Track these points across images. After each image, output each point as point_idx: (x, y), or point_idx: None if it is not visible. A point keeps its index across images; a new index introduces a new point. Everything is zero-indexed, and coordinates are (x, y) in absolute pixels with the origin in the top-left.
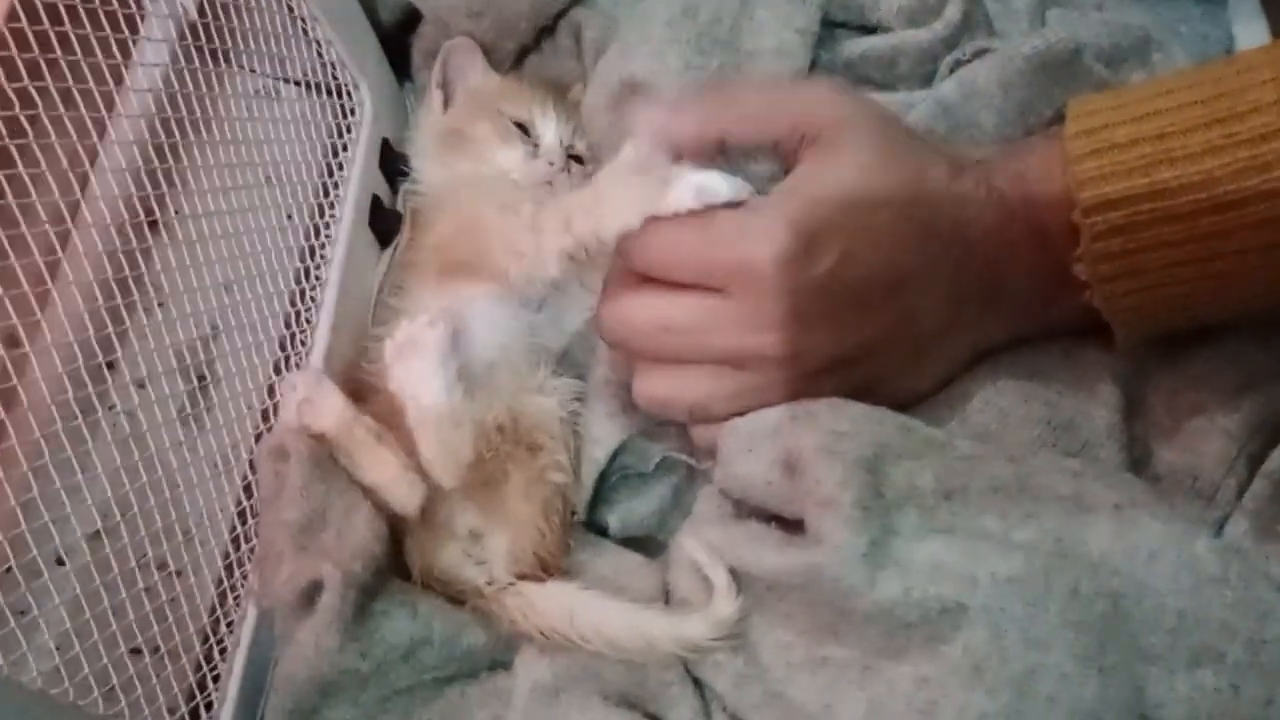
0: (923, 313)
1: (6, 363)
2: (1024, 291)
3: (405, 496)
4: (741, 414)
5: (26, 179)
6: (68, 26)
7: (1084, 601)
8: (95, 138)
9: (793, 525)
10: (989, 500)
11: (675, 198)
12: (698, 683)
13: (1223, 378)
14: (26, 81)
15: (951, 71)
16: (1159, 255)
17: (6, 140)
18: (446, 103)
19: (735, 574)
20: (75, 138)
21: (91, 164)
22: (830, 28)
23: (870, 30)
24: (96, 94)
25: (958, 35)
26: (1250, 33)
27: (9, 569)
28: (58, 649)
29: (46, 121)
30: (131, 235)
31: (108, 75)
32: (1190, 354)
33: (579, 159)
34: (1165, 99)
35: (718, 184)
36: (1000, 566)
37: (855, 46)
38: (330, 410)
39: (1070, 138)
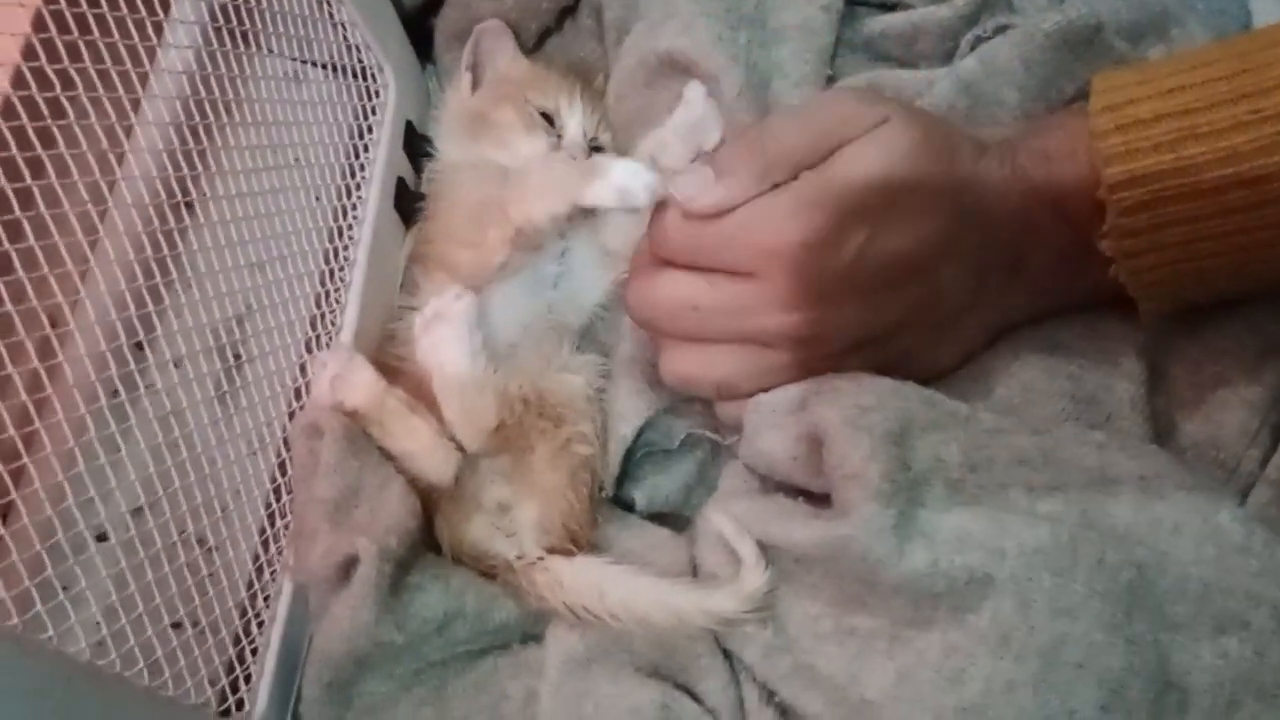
0: (947, 292)
1: (52, 339)
2: (1047, 268)
3: (440, 464)
4: (767, 391)
5: (68, 158)
6: (104, 8)
7: (1110, 571)
8: (131, 117)
9: (818, 499)
10: (1014, 472)
11: (595, 195)
12: (727, 654)
13: (1245, 349)
14: (66, 63)
15: (972, 48)
16: (1184, 230)
17: (49, 120)
18: (475, 85)
19: (762, 547)
20: (114, 118)
21: (128, 144)
22: (851, 5)
23: (891, 7)
24: (133, 74)
25: (978, 12)
26: (1268, 8)
27: (54, 544)
28: (103, 622)
29: (86, 102)
30: (169, 215)
31: (143, 55)
32: (1212, 325)
33: (601, 150)
34: (1189, 74)
35: (638, 190)
36: (1027, 537)
37: (876, 24)
38: (362, 384)
39: (1095, 114)
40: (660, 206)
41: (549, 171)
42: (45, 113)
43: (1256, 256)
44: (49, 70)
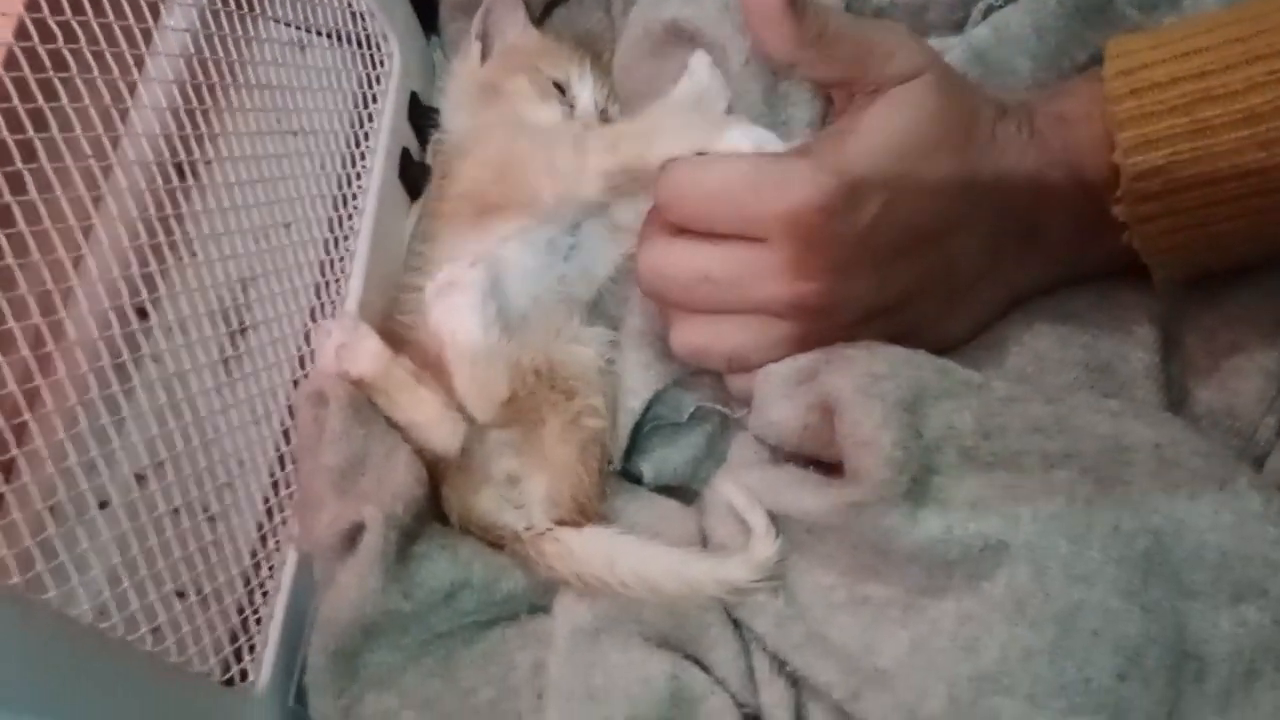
0: (963, 259)
1: (54, 294)
2: (1063, 234)
3: (447, 435)
4: (778, 361)
5: (70, 112)
6: None
7: (1126, 538)
8: (135, 73)
9: (830, 470)
10: (1029, 440)
11: (731, 143)
12: (738, 624)
13: (1261, 316)
14: (69, 14)
15: (984, 17)
16: (1199, 194)
17: (52, 73)
18: (484, 55)
19: (773, 517)
20: (117, 73)
21: (131, 100)
22: None
23: None
24: (136, 30)
25: None
26: None
27: (55, 504)
28: (105, 586)
29: (89, 55)
30: (173, 174)
31: (146, 11)
32: (1228, 293)
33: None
34: (1204, 37)
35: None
36: (1041, 504)
37: None
38: (368, 353)
39: (1109, 78)
40: (668, 169)
41: (679, 118)
42: (48, 65)
43: (1273, 220)
44: (52, 22)
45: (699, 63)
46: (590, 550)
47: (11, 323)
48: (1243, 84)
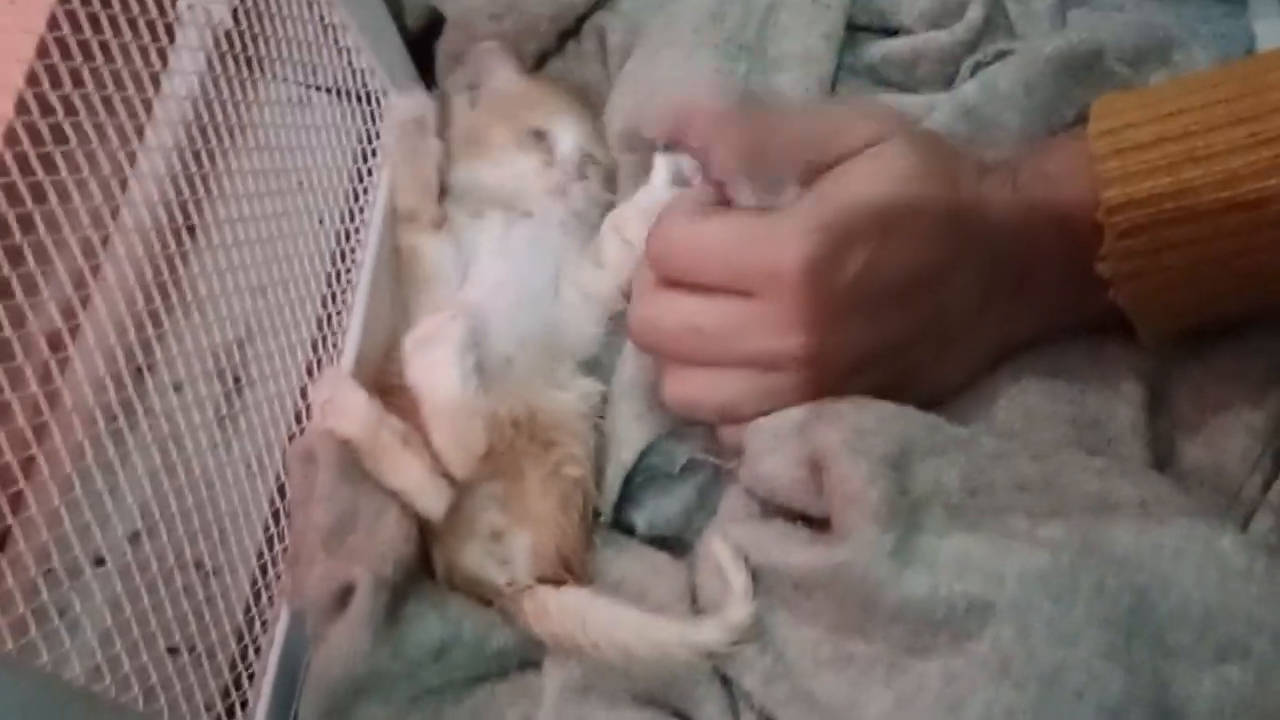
0: (950, 312)
1: (51, 364)
2: (1050, 289)
3: (431, 502)
4: (769, 414)
5: (70, 184)
6: (108, 35)
7: (1110, 598)
8: (135, 143)
9: (819, 524)
10: (1015, 497)
11: None
12: (726, 680)
13: (1248, 374)
14: (69, 88)
15: (973, 74)
16: (1183, 253)
17: (50, 147)
18: (473, 104)
19: (762, 571)
20: (117, 144)
21: (131, 169)
22: (853, 31)
23: (892, 33)
24: (136, 101)
25: (979, 37)
26: (1272, 32)
27: (50, 569)
28: (99, 647)
29: (89, 128)
30: (171, 239)
31: (147, 82)
32: (1215, 350)
33: (598, 163)
34: (1189, 98)
35: None
36: (1027, 563)
37: (877, 50)
38: (354, 409)
39: (1094, 137)
40: (659, 223)
41: None
42: (48, 139)
43: (1257, 280)
44: (52, 96)
45: (660, 176)
46: (565, 610)
47: (9, 394)
48: (1225, 145)
